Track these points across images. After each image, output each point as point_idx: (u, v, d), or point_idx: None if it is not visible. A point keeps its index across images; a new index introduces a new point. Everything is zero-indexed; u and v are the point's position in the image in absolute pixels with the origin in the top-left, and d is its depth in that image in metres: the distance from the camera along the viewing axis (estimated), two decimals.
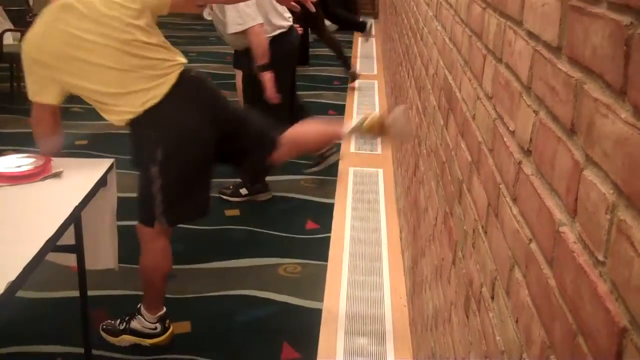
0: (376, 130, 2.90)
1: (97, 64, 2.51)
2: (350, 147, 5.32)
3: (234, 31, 3.93)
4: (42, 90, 2.55)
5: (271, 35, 4.06)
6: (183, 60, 2.69)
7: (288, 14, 4.24)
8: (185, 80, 2.64)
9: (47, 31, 2.50)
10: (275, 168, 4.28)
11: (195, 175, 2.72)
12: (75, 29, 2.48)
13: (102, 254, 2.73)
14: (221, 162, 2.92)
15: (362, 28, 8.10)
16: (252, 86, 4.19)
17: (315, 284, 3.34)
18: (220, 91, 2.89)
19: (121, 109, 2.58)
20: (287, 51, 4.26)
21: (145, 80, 2.55)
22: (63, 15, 2.49)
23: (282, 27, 4.15)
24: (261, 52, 3.95)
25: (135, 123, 2.61)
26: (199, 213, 2.89)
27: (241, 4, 3.78)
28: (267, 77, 3.97)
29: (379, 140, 2.98)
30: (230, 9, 3.88)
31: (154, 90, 2.56)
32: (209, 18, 4.28)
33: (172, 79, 2.60)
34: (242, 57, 4.25)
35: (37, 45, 2.51)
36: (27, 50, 2.52)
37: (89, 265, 2.61)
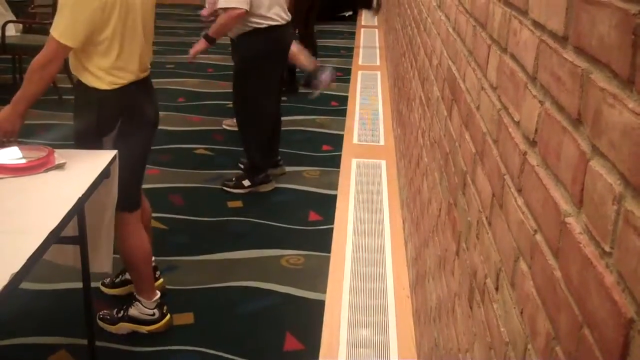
0: None
1: (138, 25, 2.61)
2: (353, 138, 5.32)
3: (221, 5, 3.94)
4: (76, 34, 2.48)
5: (265, 24, 4.04)
6: None
7: (287, 10, 4.25)
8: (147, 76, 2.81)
9: None
10: (282, 130, 4.31)
11: (141, 162, 2.82)
12: None
13: (98, 256, 2.71)
14: None
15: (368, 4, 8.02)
16: (239, 76, 4.21)
17: (318, 275, 3.34)
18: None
19: (110, 78, 2.61)
20: (281, 44, 4.25)
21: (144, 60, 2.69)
22: None
23: (282, 18, 4.14)
24: (219, 31, 4.06)
25: (105, 94, 2.62)
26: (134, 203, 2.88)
27: None
28: (202, 45, 4.15)
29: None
30: None
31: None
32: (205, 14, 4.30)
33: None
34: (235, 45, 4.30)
35: None
36: None
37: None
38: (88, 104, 2.66)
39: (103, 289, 3.17)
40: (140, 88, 2.71)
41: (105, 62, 2.58)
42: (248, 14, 3.91)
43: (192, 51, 4.19)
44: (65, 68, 4.90)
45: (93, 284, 2.67)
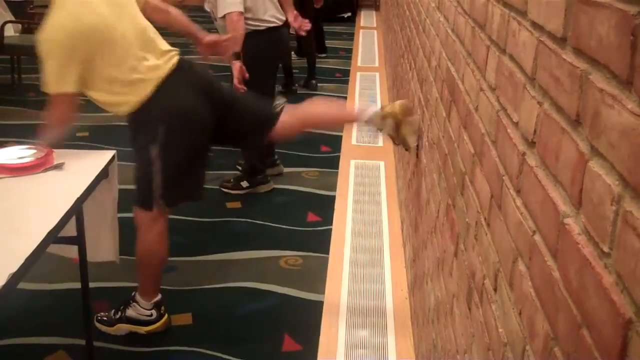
0: (399, 117, 2.87)
1: (122, 45, 2.58)
2: (352, 139, 5.32)
3: (219, 15, 3.94)
4: (66, 79, 2.53)
5: (264, 26, 4.06)
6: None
7: (282, 11, 4.26)
8: (179, 65, 2.75)
9: (77, 15, 2.50)
10: (283, 143, 4.33)
11: (193, 155, 2.76)
12: (100, 13, 2.54)
13: (103, 246, 2.73)
14: (221, 144, 2.95)
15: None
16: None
17: (316, 277, 3.34)
18: (211, 74, 2.98)
19: (127, 98, 2.63)
20: (277, 45, 4.26)
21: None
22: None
23: (278, 20, 4.15)
24: (235, 39, 3.95)
25: (133, 114, 2.67)
26: (196, 194, 2.91)
27: None
28: (237, 66, 3.94)
29: (385, 133, 2.93)
30: None
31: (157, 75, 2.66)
32: (207, 8, 4.28)
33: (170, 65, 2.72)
34: None
35: (68, 29, 2.48)
36: (56, 36, 2.49)
37: (90, 257, 2.61)
38: (129, 127, 2.73)
39: (98, 324, 2.91)
40: (169, 85, 2.67)
41: (110, 90, 2.61)
42: (246, 17, 3.92)
43: (236, 80, 3.92)
44: None
45: (92, 284, 2.67)
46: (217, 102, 2.81)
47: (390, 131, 2.92)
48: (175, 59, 2.74)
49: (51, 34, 2.49)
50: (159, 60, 2.68)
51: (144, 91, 2.62)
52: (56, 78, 2.51)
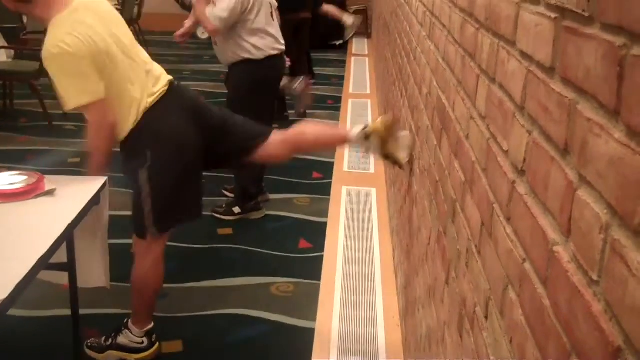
0: (382, 133, 2.85)
1: (118, 67, 2.60)
2: (344, 166, 5.33)
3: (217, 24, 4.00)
4: (87, 88, 2.52)
5: (264, 56, 4.09)
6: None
7: (282, 40, 4.29)
8: (170, 89, 2.76)
9: (76, 32, 2.48)
10: (274, 166, 4.34)
11: (183, 179, 2.74)
12: (97, 32, 2.55)
13: (94, 272, 2.72)
14: (213, 167, 2.95)
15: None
16: (234, 104, 4.24)
17: (308, 304, 3.33)
18: (201, 98, 2.99)
19: (120, 122, 2.64)
20: (273, 73, 4.29)
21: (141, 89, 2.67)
22: (88, 13, 2.57)
23: (275, 49, 4.19)
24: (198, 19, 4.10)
25: (124, 143, 2.68)
26: (189, 217, 2.88)
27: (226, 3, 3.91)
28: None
29: (372, 152, 2.91)
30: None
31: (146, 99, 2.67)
32: (203, 37, 4.31)
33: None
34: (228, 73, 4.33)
35: (71, 42, 2.46)
36: (60, 49, 2.45)
37: (81, 283, 2.59)
38: (121, 153, 2.73)
39: (88, 350, 2.89)
40: (157, 110, 2.68)
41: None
42: (244, 40, 3.97)
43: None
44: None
45: (82, 311, 2.66)
46: (207, 126, 2.81)
47: (377, 150, 2.89)
48: (166, 83, 2.75)
49: (54, 49, 2.45)
50: (150, 84, 2.69)
51: (135, 116, 2.62)
52: (74, 91, 2.51)
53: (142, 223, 2.66)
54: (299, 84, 5.61)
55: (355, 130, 2.93)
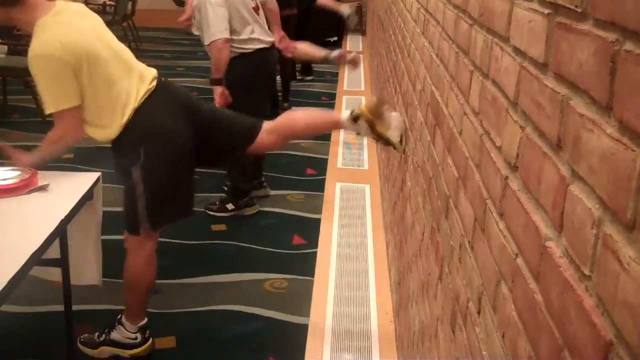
0: (368, 116, 2.84)
1: (104, 67, 2.59)
2: (338, 163, 5.33)
3: (206, 43, 3.96)
4: (67, 93, 2.52)
5: (252, 49, 4.08)
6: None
7: (269, 33, 4.28)
8: (158, 86, 2.75)
9: (61, 33, 2.49)
10: (267, 154, 4.43)
11: (176, 175, 2.74)
12: (82, 32, 2.56)
13: (86, 269, 2.72)
14: (205, 163, 2.95)
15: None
16: (233, 100, 4.24)
17: (301, 300, 3.33)
18: (189, 93, 3.00)
19: (110, 122, 2.62)
20: (267, 67, 4.28)
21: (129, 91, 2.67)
22: (72, 15, 2.58)
23: (265, 42, 4.18)
24: (217, 67, 3.97)
25: (117, 140, 2.67)
26: (182, 213, 2.88)
27: (211, 16, 3.86)
28: (218, 92, 3.99)
29: (364, 135, 2.91)
30: (204, 21, 3.90)
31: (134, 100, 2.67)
32: (197, 33, 4.30)
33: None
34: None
35: (56, 44, 2.47)
36: (45, 51, 2.46)
37: (73, 280, 2.59)
38: (112, 152, 2.73)
39: (81, 346, 2.88)
40: (149, 107, 2.68)
41: (98, 112, 2.61)
42: (232, 39, 3.94)
43: (217, 103, 3.99)
44: None
45: (75, 307, 2.66)
46: (197, 122, 2.81)
47: (367, 133, 2.89)
48: (154, 81, 2.75)
49: (40, 51, 2.46)
50: (139, 83, 2.69)
51: (126, 115, 2.61)
52: (56, 95, 2.51)
53: (136, 219, 2.65)
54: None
55: (344, 114, 2.95)
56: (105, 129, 2.63)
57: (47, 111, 2.53)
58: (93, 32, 2.60)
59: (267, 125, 2.97)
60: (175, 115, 2.74)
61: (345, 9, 7.10)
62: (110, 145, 2.72)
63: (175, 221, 2.88)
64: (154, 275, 2.83)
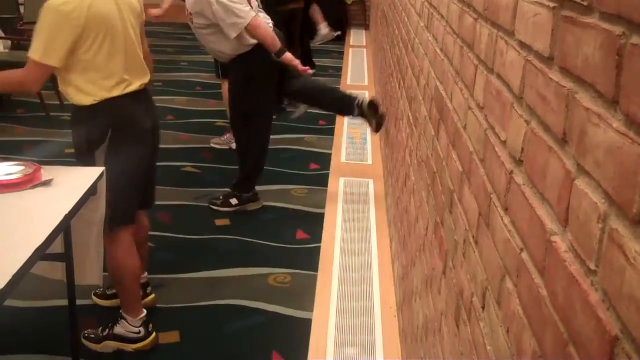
0: None
1: (115, 43, 2.63)
2: (341, 157, 5.33)
3: (238, 32, 3.94)
4: (55, 52, 2.53)
5: (253, 44, 4.08)
6: None
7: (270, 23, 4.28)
8: (145, 90, 2.84)
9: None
10: (270, 149, 4.47)
11: (135, 172, 2.79)
12: (109, 6, 2.61)
13: (88, 268, 2.71)
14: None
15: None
16: (237, 95, 4.23)
17: (305, 294, 3.33)
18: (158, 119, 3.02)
19: (93, 93, 2.65)
20: (267, 62, 4.27)
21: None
22: None
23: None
24: (269, 42, 4.02)
25: (92, 108, 2.67)
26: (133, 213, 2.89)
27: (230, 5, 3.88)
28: (288, 58, 4.07)
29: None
30: (225, 15, 3.89)
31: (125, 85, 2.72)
32: (198, 36, 4.29)
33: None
34: (225, 67, 4.31)
35: (77, 5, 2.49)
36: (63, 8, 2.48)
37: (75, 279, 2.59)
38: (77, 119, 2.72)
39: (95, 299, 3.18)
40: (132, 101, 2.72)
41: (86, 77, 2.61)
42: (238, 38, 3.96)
43: (298, 68, 4.14)
44: (54, 85, 4.90)
45: (79, 302, 2.66)
46: (154, 144, 2.91)
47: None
48: (146, 83, 2.82)
49: (60, 5, 2.48)
50: (131, 76, 2.72)
51: (110, 94, 2.65)
52: (45, 47, 2.51)
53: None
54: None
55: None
56: (88, 95, 2.64)
57: (30, 54, 2.53)
58: (120, 15, 2.65)
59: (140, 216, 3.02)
60: (150, 118, 2.83)
61: (324, 29, 7.28)
62: (77, 115, 2.73)
63: (132, 222, 2.88)
64: (136, 263, 2.85)
